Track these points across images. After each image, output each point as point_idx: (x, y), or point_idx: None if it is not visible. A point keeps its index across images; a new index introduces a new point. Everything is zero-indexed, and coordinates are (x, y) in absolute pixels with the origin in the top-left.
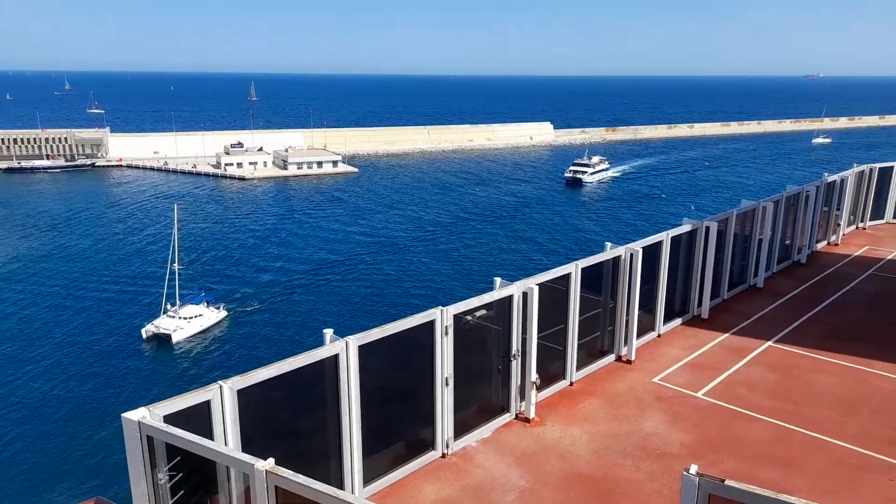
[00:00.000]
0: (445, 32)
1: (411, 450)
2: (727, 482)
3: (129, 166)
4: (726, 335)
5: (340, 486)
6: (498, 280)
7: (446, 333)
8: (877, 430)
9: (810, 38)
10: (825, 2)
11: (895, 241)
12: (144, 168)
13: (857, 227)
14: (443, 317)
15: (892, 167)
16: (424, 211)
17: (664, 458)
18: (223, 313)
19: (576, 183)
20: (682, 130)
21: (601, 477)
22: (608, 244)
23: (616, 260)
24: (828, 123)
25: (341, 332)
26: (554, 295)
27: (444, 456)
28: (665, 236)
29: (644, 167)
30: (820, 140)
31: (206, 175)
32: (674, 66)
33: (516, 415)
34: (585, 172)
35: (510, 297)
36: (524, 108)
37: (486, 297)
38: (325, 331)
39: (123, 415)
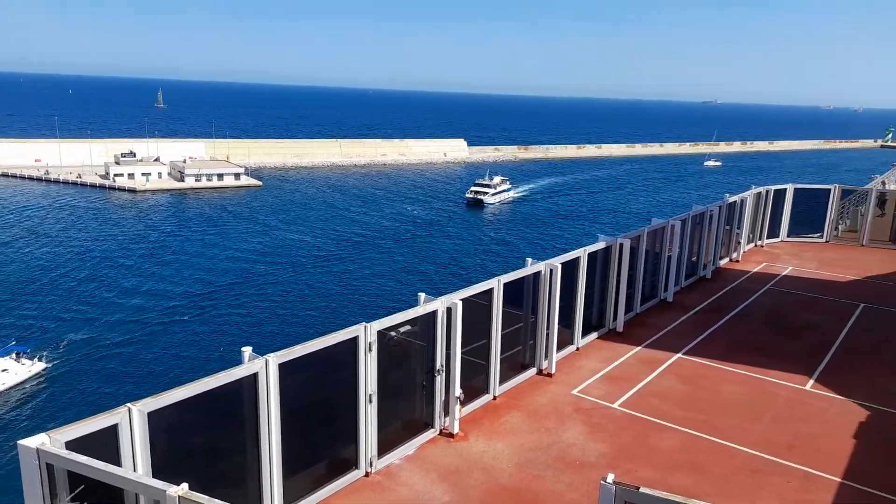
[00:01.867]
0: (366, 45)
1: (334, 469)
2: (642, 489)
3: (3, 175)
4: (640, 348)
5: None
6: (422, 295)
7: (370, 350)
8: (776, 436)
9: (709, 66)
10: (721, 33)
11: (790, 257)
12: (21, 178)
13: (755, 245)
14: (366, 333)
15: (786, 189)
16: (327, 229)
17: (583, 468)
18: (42, 365)
19: (477, 204)
20: (591, 151)
21: (524, 489)
22: (529, 260)
23: (536, 275)
24: (723, 147)
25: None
26: (477, 310)
27: (367, 475)
28: (582, 252)
29: (549, 186)
30: (711, 163)
31: (93, 186)
32: (587, 89)
33: (440, 430)
34: (487, 193)
35: (434, 313)
36: (440, 125)
37: (411, 313)
38: (243, 349)
39: (20, 442)
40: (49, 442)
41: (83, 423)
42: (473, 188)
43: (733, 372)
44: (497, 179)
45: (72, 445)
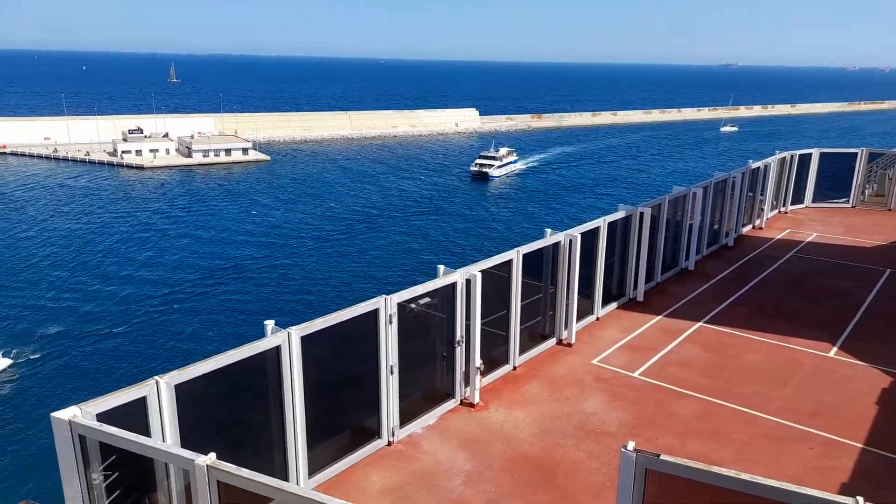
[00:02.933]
0: (377, 15)
1: (357, 439)
2: (662, 457)
3: (13, 154)
4: (660, 317)
5: (285, 478)
6: (441, 267)
7: (390, 322)
8: (799, 403)
9: (728, 28)
10: None
11: (814, 224)
12: (31, 156)
13: (779, 212)
14: (387, 305)
15: (811, 154)
16: (330, 204)
17: (603, 436)
18: (6, 362)
19: (482, 177)
20: (606, 118)
21: (544, 458)
22: (548, 230)
23: (556, 246)
24: (743, 111)
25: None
26: (496, 281)
27: (390, 444)
28: (602, 222)
29: (561, 157)
30: (727, 129)
31: (101, 164)
32: (605, 54)
33: (461, 400)
34: (492, 166)
35: (454, 284)
36: (452, 94)
37: (430, 285)
38: (266, 322)
39: (53, 414)
40: (80, 414)
41: (113, 396)
42: (478, 161)
43: (756, 340)
44: (503, 151)
45: (102, 417)
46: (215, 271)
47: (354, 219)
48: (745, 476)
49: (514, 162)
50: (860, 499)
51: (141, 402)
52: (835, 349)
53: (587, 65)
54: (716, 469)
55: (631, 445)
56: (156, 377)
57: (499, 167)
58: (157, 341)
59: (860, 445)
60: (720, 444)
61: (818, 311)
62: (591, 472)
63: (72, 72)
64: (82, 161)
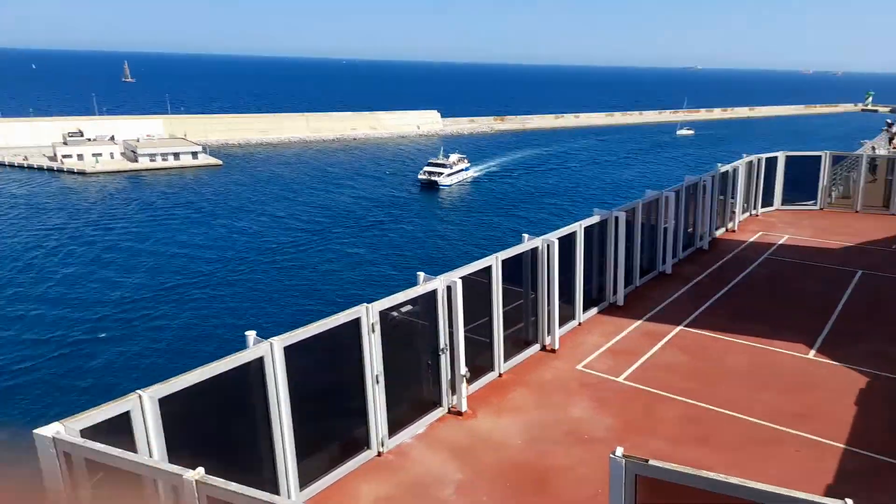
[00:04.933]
0: (341, 13)
1: (346, 450)
2: (651, 462)
3: None
4: (641, 321)
5: (276, 491)
6: (421, 275)
7: (373, 330)
8: (782, 406)
9: (688, 32)
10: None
11: (785, 226)
12: None
13: (750, 214)
14: (368, 313)
15: (777, 157)
16: (276, 212)
17: (592, 442)
18: None
19: (431, 186)
20: (569, 120)
21: (534, 465)
22: (525, 236)
23: (534, 251)
24: (703, 114)
25: None
26: (477, 288)
27: (379, 454)
28: (578, 227)
29: (519, 162)
30: (683, 132)
31: (40, 169)
32: (563, 57)
33: (449, 409)
34: (441, 174)
35: (434, 292)
36: (413, 96)
37: (411, 292)
38: (247, 333)
39: (35, 431)
40: (64, 430)
41: (96, 411)
42: (426, 168)
43: (736, 342)
44: (454, 157)
45: (87, 433)
46: (169, 284)
47: (303, 229)
48: (734, 480)
49: (467, 169)
50: (849, 501)
51: (125, 417)
52: (813, 351)
53: (545, 67)
54: (704, 473)
55: (620, 451)
56: (138, 391)
57: (448, 175)
58: (129, 354)
59: (844, 446)
60: (708, 448)
61: (795, 312)
62: (581, 478)
63: (19, 70)
64: (20, 167)
